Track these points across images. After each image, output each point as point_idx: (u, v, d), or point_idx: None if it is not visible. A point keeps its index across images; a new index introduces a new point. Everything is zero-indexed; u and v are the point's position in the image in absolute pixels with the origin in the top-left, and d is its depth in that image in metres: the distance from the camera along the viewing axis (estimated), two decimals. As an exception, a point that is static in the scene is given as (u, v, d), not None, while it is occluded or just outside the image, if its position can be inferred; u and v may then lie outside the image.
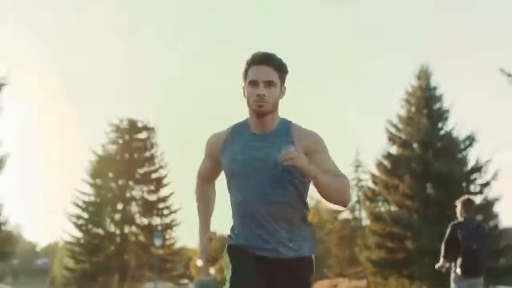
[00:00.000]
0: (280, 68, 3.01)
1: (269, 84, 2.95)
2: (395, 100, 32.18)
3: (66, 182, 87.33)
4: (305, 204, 3.06)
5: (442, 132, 30.28)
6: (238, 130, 3.09)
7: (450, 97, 37.41)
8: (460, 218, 7.44)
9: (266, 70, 2.96)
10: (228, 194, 3.12)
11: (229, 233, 3.12)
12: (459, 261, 7.28)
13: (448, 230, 7.40)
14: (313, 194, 48.61)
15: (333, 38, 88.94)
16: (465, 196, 7.56)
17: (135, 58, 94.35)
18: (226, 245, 3.07)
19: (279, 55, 3.05)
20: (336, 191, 2.91)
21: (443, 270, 7.44)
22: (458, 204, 7.49)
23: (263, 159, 2.96)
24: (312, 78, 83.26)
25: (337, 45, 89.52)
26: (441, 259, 7.40)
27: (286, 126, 3.05)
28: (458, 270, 7.27)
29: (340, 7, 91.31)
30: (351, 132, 77.73)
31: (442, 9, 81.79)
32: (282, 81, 3.03)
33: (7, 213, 31.09)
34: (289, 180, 2.97)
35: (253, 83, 2.96)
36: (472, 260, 7.23)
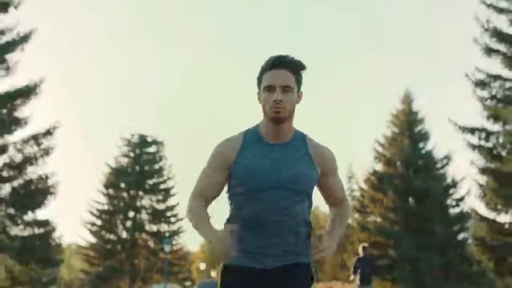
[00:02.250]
0: (297, 71, 2.96)
1: (286, 89, 2.90)
2: (383, 121, 37.31)
3: (68, 185, 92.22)
4: (309, 217, 3.07)
5: (423, 151, 35.41)
6: (252, 137, 3.02)
7: (431, 120, 42.70)
8: (361, 255, 14.44)
9: (283, 74, 2.91)
10: (231, 206, 3.05)
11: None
12: (358, 276, 14.22)
13: (354, 261, 14.47)
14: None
15: (332, 43, 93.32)
16: (363, 244, 13.86)
17: (137, 64, 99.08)
18: (221, 264, 3.05)
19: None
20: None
21: (354, 281, 14.28)
22: (360, 248, 14.58)
23: (282, 171, 2.91)
24: (312, 82, 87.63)
25: (336, 50, 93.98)
26: (352, 275, 14.39)
27: (302, 137, 3.03)
28: (358, 282, 14.20)
29: (340, 12, 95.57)
30: (348, 141, 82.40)
31: (442, 10, 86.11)
32: (299, 85, 2.98)
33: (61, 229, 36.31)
34: (306, 195, 2.97)
35: (269, 88, 2.91)
36: (365, 277, 14.24)
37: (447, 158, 34.88)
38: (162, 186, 42.93)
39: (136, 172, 42.35)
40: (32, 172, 21.69)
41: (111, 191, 42.21)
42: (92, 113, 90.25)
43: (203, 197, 3.05)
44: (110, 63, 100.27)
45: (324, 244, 2.94)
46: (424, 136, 35.66)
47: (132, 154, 43.06)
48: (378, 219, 35.33)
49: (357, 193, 44.09)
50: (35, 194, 21.61)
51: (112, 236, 41.68)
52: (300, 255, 2.99)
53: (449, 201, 34.85)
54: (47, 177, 21.72)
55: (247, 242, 2.96)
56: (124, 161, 42.95)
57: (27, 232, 21.78)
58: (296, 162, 2.96)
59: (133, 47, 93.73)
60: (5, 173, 20.88)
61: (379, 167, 35.96)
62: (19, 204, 21.21)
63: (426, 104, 71.96)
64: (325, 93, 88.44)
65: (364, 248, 14.82)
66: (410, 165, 34.46)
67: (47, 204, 21.85)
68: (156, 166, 43.15)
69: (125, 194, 42.22)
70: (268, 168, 2.93)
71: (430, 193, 33.64)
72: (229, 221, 3.03)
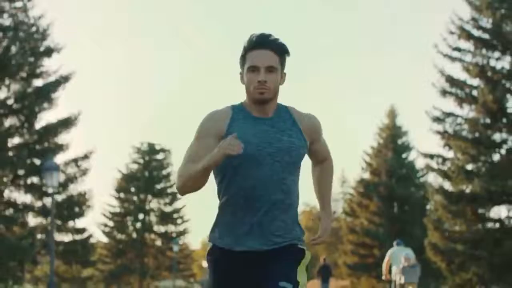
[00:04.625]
0: (281, 52, 3.07)
1: (270, 69, 3.00)
2: (371, 132, 43.49)
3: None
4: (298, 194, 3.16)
5: (405, 162, 41.56)
6: (240, 111, 3.11)
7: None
8: (322, 263, 22.03)
9: (267, 54, 3.02)
10: (220, 180, 3.11)
11: (212, 232, 3.15)
12: (320, 278, 21.34)
13: (318, 268, 22.17)
14: (308, 201, 60.46)
15: (332, 42, 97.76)
16: (323, 256, 20.83)
17: (136, 65, 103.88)
18: (210, 246, 3.16)
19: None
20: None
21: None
22: (321, 259, 21.86)
23: (276, 144, 3.03)
24: (312, 81, 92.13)
25: (336, 49, 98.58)
26: (315, 277, 21.55)
27: (286, 109, 3.15)
28: (320, 281, 21.30)
29: (340, 12, 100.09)
30: (343, 147, 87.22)
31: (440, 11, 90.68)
32: (283, 66, 3.09)
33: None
34: (296, 166, 3.10)
35: (253, 69, 3.01)
36: (325, 278, 21.33)
37: (427, 167, 40.93)
38: (169, 190, 48.28)
39: (145, 178, 47.63)
40: (73, 189, 28.02)
41: (122, 195, 47.61)
42: (99, 120, 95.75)
43: (193, 163, 3.05)
44: (111, 67, 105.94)
45: (322, 229, 3.23)
46: (407, 148, 41.82)
47: (141, 161, 48.53)
48: (365, 222, 41.52)
49: (347, 196, 50.39)
50: (75, 207, 27.90)
51: (123, 237, 47.11)
52: (292, 235, 3.08)
53: (428, 207, 40.97)
54: (85, 193, 27.99)
55: (237, 220, 3.05)
56: (134, 167, 48.44)
57: (69, 238, 28.14)
58: (285, 134, 3.07)
59: (132, 47, 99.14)
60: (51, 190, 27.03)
61: (366, 175, 42.15)
62: (62, 215, 27.45)
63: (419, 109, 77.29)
64: (321, 93, 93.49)
65: (324, 259, 22.78)
66: (393, 175, 40.63)
67: (85, 215, 28.24)
68: (164, 172, 48.74)
69: (135, 198, 47.54)
70: (260, 140, 3.03)
71: (411, 200, 39.87)
72: (219, 195, 3.11)
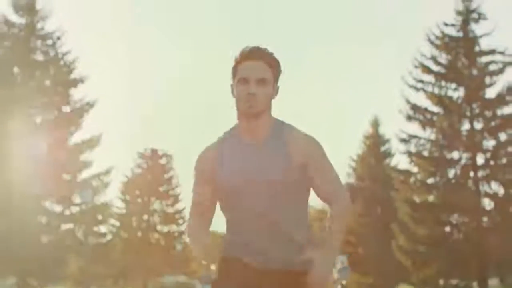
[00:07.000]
0: (274, 64, 3.07)
1: (261, 82, 3.01)
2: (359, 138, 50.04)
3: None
4: (305, 220, 3.20)
5: (387, 167, 48.10)
6: (228, 141, 3.15)
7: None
8: None
9: (258, 66, 3.02)
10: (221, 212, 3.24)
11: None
12: None
13: None
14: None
15: (330, 39, 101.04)
16: None
17: (136, 65, 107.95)
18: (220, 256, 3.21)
19: (273, 50, 3.09)
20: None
21: None
22: None
23: (258, 173, 3.06)
24: (310, 70, 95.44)
25: (333, 37, 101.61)
26: None
27: (279, 131, 3.10)
28: None
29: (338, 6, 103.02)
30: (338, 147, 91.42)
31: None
32: (276, 79, 3.09)
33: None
34: (287, 196, 3.09)
35: (243, 81, 3.01)
36: None
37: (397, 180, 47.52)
38: (171, 193, 53.95)
39: (149, 181, 53.28)
40: (96, 200, 34.51)
41: (127, 197, 53.48)
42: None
43: (199, 214, 3.23)
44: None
45: (315, 267, 3.00)
46: (389, 155, 48.46)
47: (145, 166, 54.66)
48: (351, 223, 48.10)
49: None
50: (98, 215, 34.48)
51: (128, 236, 52.94)
52: (293, 262, 3.10)
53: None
54: (107, 203, 34.58)
55: (239, 249, 3.15)
56: (139, 171, 54.67)
57: (93, 241, 34.74)
58: (272, 162, 3.05)
59: (133, 48, 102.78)
60: (78, 200, 33.45)
61: (352, 179, 48.80)
62: (88, 222, 34.01)
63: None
64: (318, 91, 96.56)
65: None
66: (376, 180, 47.21)
67: (107, 222, 34.86)
68: (166, 176, 54.81)
69: (139, 200, 53.18)
70: (244, 171, 3.08)
71: (393, 203, 46.41)
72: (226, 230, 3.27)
